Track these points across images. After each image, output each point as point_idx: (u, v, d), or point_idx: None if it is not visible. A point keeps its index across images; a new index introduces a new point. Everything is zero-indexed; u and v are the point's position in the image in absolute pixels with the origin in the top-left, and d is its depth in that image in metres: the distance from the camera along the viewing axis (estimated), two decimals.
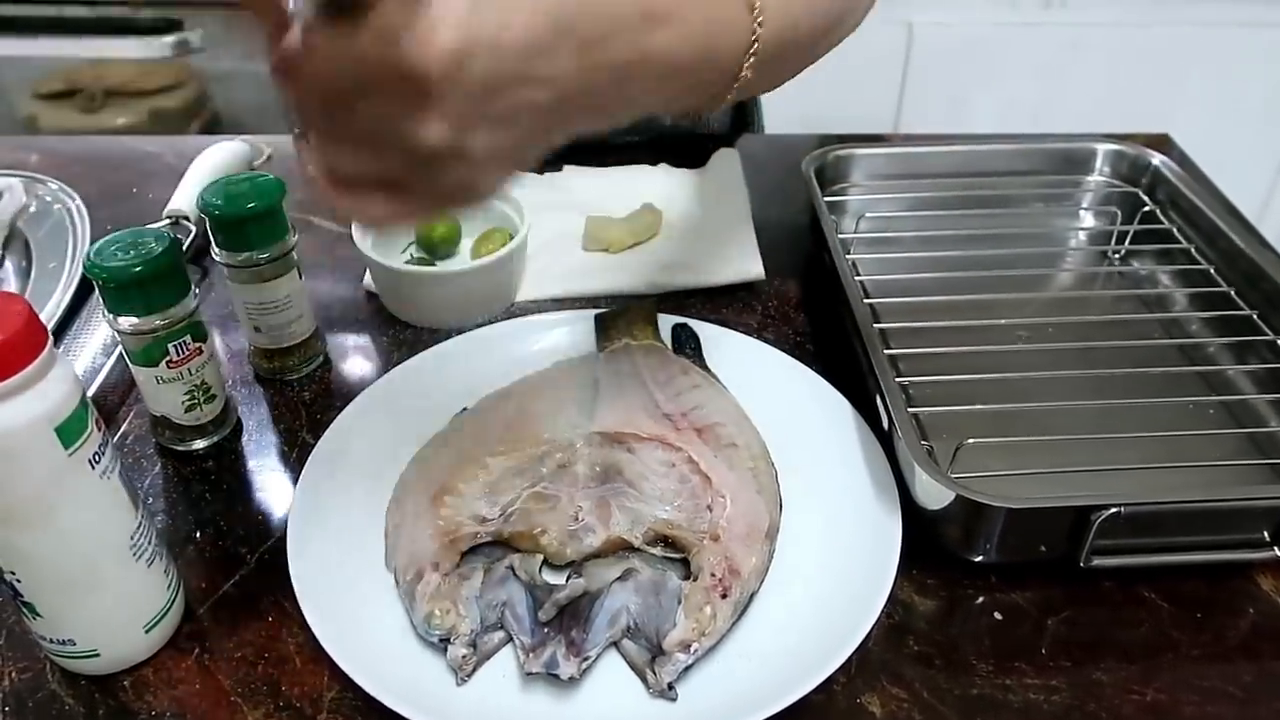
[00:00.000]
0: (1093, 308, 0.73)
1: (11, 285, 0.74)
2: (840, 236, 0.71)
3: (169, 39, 1.64)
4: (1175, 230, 0.75)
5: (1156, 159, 0.79)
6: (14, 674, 0.49)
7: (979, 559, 0.53)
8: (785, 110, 1.07)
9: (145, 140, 0.96)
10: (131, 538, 0.46)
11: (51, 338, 0.41)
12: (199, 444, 0.61)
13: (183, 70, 1.96)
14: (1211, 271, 0.70)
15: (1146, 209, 0.77)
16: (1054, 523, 0.50)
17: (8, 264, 0.76)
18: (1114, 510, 0.49)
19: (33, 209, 0.81)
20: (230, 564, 0.54)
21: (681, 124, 0.95)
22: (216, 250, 0.61)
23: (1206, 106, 1.59)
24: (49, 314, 0.68)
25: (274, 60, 0.37)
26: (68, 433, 0.41)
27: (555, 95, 0.38)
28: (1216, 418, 0.62)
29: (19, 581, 0.44)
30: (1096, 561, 0.51)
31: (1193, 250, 0.72)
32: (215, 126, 1.94)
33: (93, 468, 0.43)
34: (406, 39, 0.34)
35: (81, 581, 0.45)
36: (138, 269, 0.53)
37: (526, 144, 0.40)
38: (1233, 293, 0.68)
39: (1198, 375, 0.65)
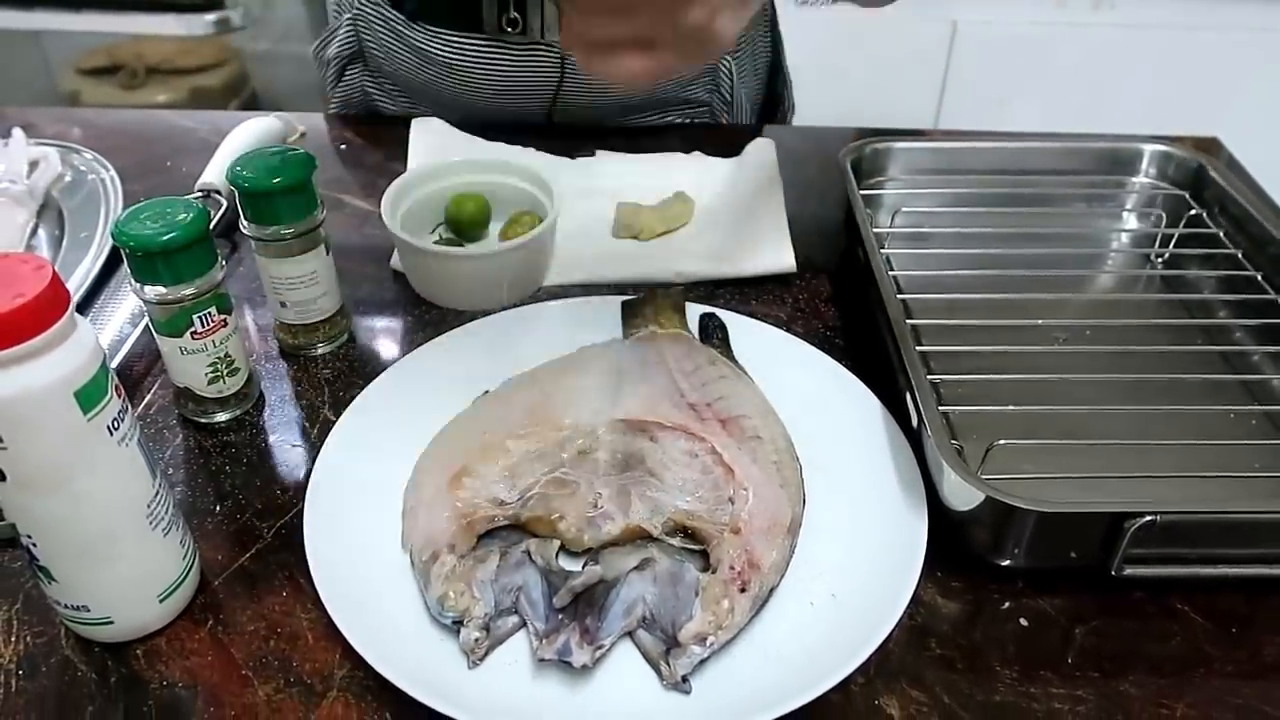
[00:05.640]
0: (1133, 311, 0.71)
1: (44, 254, 0.74)
2: (875, 230, 0.69)
3: (210, 16, 1.66)
4: (1221, 234, 0.73)
5: (1204, 161, 0.77)
6: (29, 638, 0.49)
7: (1007, 563, 0.51)
8: (823, 107, 1.06)
9: (181, 115, 0.96)
10: (148, 506, 0.46)
11: (74, 302, 0.41)
12: (221, 416, 0.61)
13: (223, 49, 1.98)
14: (1259, 278, 0.68)
15: (1192, 212, 0.75)
16: (1086, 529, 0.49)
17: (41, 233, 0.76)
18: (1149, 518, 0.47)
19: (68, 179, 0.81)
20: (247, 537, 0.54)
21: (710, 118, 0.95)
22: (244, 223, 0.61)
23: (1257, 112, 1.55)
24: (78, 282, 0.68)
25: None
26: (87, 398, 0.41)
27: None
28: (1259, 428, 0.60)
29: (35, 545, 0.44)
30: (1129, 571, 0.49)
31: (1239, 255, 0.70)
32: (254, 106, 1.96)
33: (111, 434, 0.43)
34: None
35: (97, 548, 0.45)
36: (165, 238, 0.53)
37: None
38: None
39: (1240, 383, 0.63)
